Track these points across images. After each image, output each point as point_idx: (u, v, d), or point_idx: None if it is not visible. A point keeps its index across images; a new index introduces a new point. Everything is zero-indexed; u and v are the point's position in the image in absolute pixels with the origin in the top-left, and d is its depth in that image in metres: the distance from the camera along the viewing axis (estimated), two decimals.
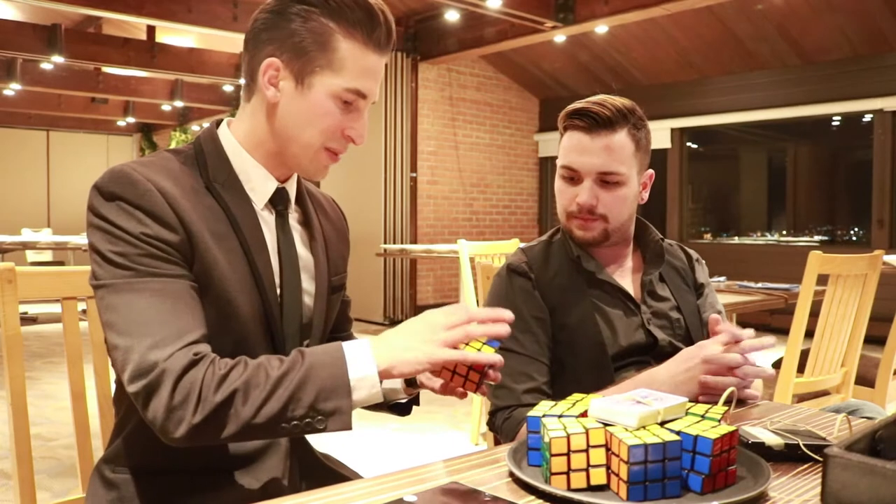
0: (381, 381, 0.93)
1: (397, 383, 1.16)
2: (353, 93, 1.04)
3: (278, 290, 1.08)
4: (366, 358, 0.93)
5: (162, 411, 0.89)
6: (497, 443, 1.46)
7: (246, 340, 1.03)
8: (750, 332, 1.21)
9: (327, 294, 1.17)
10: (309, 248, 1.16)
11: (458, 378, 0.98)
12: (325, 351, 0.94)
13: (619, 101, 1.39)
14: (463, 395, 1.05)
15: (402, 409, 1.21)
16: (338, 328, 1.31)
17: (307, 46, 1.02)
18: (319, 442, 1.23)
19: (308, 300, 1.14)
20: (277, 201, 1.11)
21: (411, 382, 1.15)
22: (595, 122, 1.37)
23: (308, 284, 1.14)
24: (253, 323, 1.04)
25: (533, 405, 0.92)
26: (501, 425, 1.35)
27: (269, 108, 1.06)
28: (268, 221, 1.10)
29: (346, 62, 1.03)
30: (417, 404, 1.22)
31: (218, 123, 1.12)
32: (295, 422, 0.90)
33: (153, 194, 0.97)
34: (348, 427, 0.92)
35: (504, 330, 0.96)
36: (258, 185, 1.09)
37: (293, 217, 1.16)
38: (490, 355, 0.95)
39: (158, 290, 0.94)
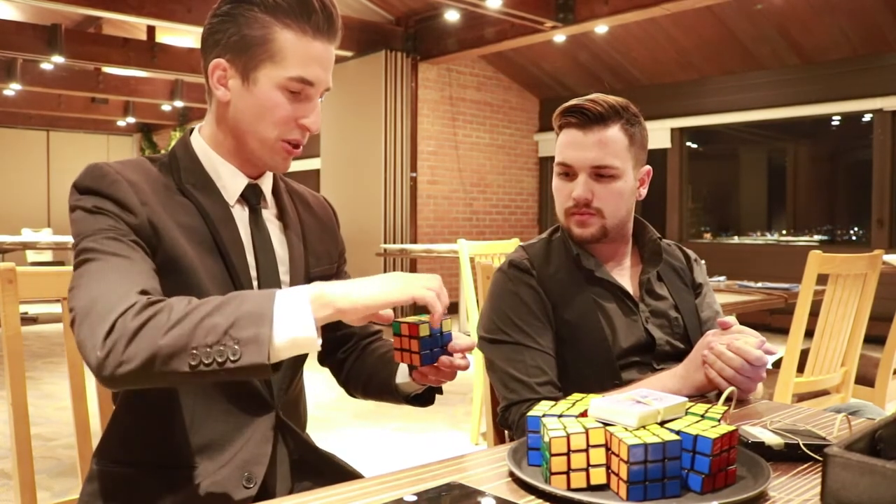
0: (318, 327, 0.89)
1: (408, 376, 1.15)
2: (298, 81, 1.06)
3: (255, 284, 1.10)
4: (299, 291, 0.90)
5: (86, 342, 0.88)
6: (511, 439, 1.45)
7: None
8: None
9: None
10: (284, 241, 1.17)
11: (406, 354, 0.98)
12: (263, 290, 0.94)
13: (612, 98, 1.41)
14: (437, 382, 1.06)
15: (425, 400, 1.19)
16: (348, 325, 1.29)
17: (248, 43, 1.05)
18: (321, 442, 1.23)
19: None
20: (250, 197, 1.13)
21: None
22: (588, 119, 1.38)
23: (285, 277, 1.15)
24: None
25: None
26: (518, 420, 1.33)
27: (223, 107, 1.10)
28: (242, 218, 1.12)
29: (286, 52, 1.05)
30: (440, 392, 1.18)
31: (192, 131, 1.16)
32: (206, 348, 0.84)
33: (121, 184, 1.02)
34: (265, 362, 0.84)
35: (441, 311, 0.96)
36: (228, 182, 1.12)
37: (269, 212, 1.17)
38: (435, 305, 0.94)
39: (116, 258, 0.96)
